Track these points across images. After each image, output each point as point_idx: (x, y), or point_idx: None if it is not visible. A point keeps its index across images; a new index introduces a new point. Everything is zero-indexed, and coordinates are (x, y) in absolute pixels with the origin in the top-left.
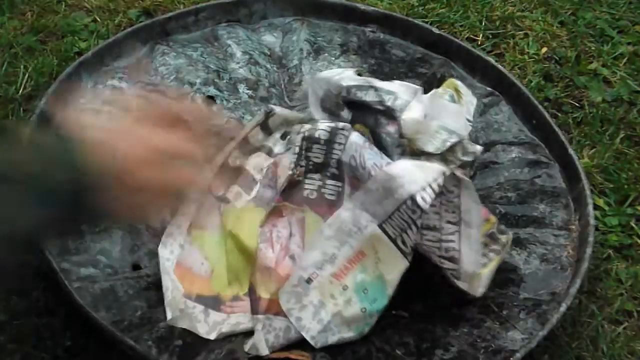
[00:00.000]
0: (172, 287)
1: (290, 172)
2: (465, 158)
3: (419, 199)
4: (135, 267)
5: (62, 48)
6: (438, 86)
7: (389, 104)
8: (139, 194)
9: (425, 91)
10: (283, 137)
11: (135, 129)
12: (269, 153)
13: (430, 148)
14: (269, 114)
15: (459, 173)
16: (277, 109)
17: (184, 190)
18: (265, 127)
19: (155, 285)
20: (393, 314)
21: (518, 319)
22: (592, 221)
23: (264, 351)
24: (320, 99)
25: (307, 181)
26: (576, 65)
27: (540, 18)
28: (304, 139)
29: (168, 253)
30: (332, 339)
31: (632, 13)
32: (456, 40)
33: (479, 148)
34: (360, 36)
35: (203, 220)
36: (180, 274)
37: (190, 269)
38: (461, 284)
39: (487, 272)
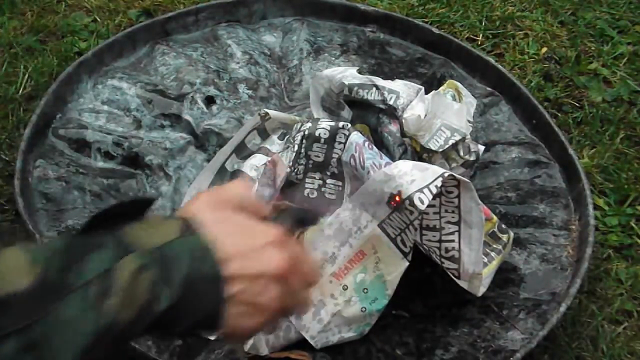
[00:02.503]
0: None
1: (288, 170)
2: (468, 157)
3: (416, 201)
4: None
5: (62, 48)
6: (438, 86)
7: (391, 102)
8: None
9: (426, 91)
10: (281, 137)
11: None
12: (267, 154)
13: (432, 146)
14: (264, 118)
15: (457, 174)
16: (272, 112)
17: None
18: (262, 131)
19: None
20: (393, 314)
21: (518, 319)
22: (592, 221)
23: (264, 351)
24: (321, 97)
25: (307, 180)
26: (576, 65)
27: (540, 18)
28: (304, 137)
29: None
30: (332, 338)
31: (632, 13)
32: (456, 40)
33: (481, 147)
34: (360, 36)
35: None
36: None
37: None
38: (462, 284)
39: (488, 272)
